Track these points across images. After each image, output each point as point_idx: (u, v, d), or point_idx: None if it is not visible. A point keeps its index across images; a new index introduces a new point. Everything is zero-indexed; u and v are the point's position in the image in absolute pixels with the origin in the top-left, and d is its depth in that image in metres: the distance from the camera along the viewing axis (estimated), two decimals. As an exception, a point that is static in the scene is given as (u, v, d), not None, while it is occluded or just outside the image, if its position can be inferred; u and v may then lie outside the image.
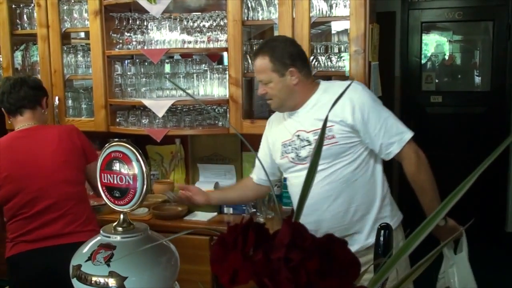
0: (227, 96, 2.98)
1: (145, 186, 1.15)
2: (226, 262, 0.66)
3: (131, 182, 1.15)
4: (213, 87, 3.10)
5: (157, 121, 3.05)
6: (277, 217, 2.83)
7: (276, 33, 3.01)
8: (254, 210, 2.93)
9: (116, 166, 1.17)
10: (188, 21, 3.09)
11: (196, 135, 3.30)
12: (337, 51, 2.98)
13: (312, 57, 2.85)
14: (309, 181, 0.79)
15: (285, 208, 2.98)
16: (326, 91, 2.22)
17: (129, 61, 3.34)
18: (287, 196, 2.99)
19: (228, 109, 2.99)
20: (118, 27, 3.18)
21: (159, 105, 2.98)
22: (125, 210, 1.18)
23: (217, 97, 3.07)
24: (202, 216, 2.96)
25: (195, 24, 3.09)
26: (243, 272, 0.64)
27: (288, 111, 2.27)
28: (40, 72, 3.35)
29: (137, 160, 1.15)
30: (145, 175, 1.15)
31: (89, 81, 3.35)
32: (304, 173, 2.29)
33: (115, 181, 1.18)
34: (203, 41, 3.06)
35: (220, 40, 3.03)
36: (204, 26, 3.08)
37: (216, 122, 3.08)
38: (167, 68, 3.31)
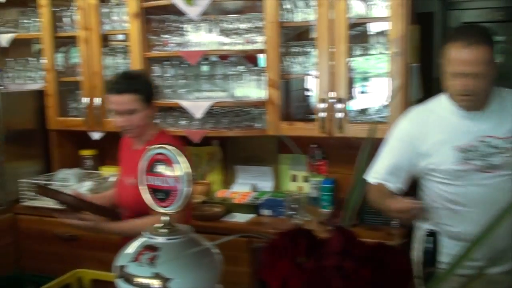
0: (264, 97, 2.98)
1: (187, 188, 1.15)
2: (275, 270, 0.66)
3: (174, 184, 1.16)
4: (250, 89, 3.10)
5: (194, 122, 3.07)
6: (315, 219, 2.80)
7: (313, 35, 2.99)
8: (292, 212, 2.91)
9: (160, 168, 1.18)
10: (225, 23, 3.10)
11: (233, 136, 3.31)
12: (374, 52, 2.95)
13: (349, 59, 2.82)
14: (358, 186, 0.78)
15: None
16: (505, 97, 2.03)
17: (167, 62, 3.37)
18: (325, 199, 2.98)
19: (265, 111, 2.98)
20: (156, 29, 3.21)
21: (196, 107, 3.00)
22: (168, 212, 1.19)
23: (254, 99, 3.07)
24: (240, 218, 2.98)
25: (232, 26, 3.10)
26: (293, 280, 0.64)
27: (472, 111, 2.00)
28: (81, 73, 3.41)
29: (180, 162, 1.15)
30: (187, 177, 1.15)
31: (128, 83, 3.38)
32: (490, 182, 2.00)
33: (159, 183, 1.19)
34: (240, 43, 3.07)
35: (257, 42, 3.04)
36: (241, 28, 3.08)
37: (253, 123, 3.08)
38: (205, 69, 3.33)
